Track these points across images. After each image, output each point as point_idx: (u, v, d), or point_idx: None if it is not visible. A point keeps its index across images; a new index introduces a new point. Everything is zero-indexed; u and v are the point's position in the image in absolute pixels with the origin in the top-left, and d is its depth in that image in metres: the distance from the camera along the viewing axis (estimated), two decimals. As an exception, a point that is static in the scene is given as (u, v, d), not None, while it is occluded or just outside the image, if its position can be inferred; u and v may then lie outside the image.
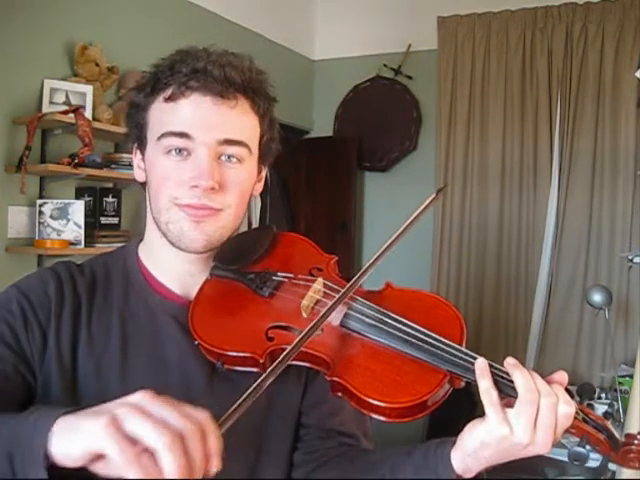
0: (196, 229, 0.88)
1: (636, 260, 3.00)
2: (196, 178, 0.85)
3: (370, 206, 4.50)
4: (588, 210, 3.76)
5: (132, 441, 0.52)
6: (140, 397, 0.56)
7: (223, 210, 0.89)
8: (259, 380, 0.65)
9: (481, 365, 0.74)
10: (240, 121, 0.89)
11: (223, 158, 0.89)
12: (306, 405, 0.97)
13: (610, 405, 2.59)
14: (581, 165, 3.77)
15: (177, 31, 3.24)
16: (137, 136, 0.93)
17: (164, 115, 0.88)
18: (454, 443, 0.78)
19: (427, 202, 0.91)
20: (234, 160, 0.89)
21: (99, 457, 0.53)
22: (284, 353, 0.71)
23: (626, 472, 1.99)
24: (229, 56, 0.90)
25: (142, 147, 0.93)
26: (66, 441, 0.55)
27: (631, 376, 2.57)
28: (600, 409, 2.82)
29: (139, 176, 0.96)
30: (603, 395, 3.15)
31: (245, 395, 0.62)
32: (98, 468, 0.54)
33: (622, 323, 3.57)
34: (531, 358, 3.85)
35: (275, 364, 0.68)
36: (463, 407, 1.81)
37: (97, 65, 2.84)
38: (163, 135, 0.87)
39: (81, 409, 0.58)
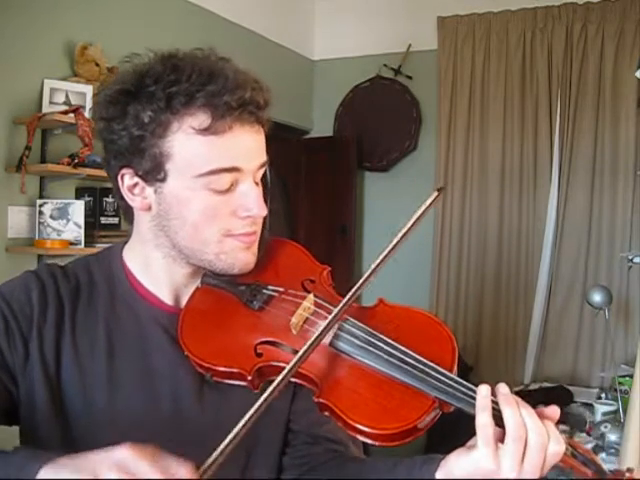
0: (247, 253, 0.89)
1: (636, 260, 2.99)
2: (251, 209, 0.86)
3: (370, 206, 4.50)
4: (588, 210, 3.76)
5: None
6: (125, 454, 0.57)
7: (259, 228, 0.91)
8: (246, 418, 0.65)
9: (483, 393, 0.71)
10: (263, 142, 0.89)
11: (256, 181, 0.89)
12: (294, 411, 0.97)
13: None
14: (581, 165, 3.77)
15: (177, 31, 3.23)
16: (138, 163, 0.84)
17: (205, 150, 0.82)
18: (439, 462, 0.76)
19: (428, 203, 0.87)
20: (259, 179, 0.89)
21: None
22: (274, 383, 0.70)
23: None
24: (242, 73, 0.85)
25: (150, 177, 0.84)
26: None
27: (631, 376, 2.56)
28: (600, 409, 2.82)
29: (140, 204, 0.87)
30: (603, 395, 3.15)
31: (232, 435, 0.63)
32: None
33: (622, 323, 3.57)
34: (531, 358, 3.85)
35: (265, 396, 0.68)
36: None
37: (97, 65, 2.85)
38: (212, 172, 0.82)
39: (65, 455, 0.60)
